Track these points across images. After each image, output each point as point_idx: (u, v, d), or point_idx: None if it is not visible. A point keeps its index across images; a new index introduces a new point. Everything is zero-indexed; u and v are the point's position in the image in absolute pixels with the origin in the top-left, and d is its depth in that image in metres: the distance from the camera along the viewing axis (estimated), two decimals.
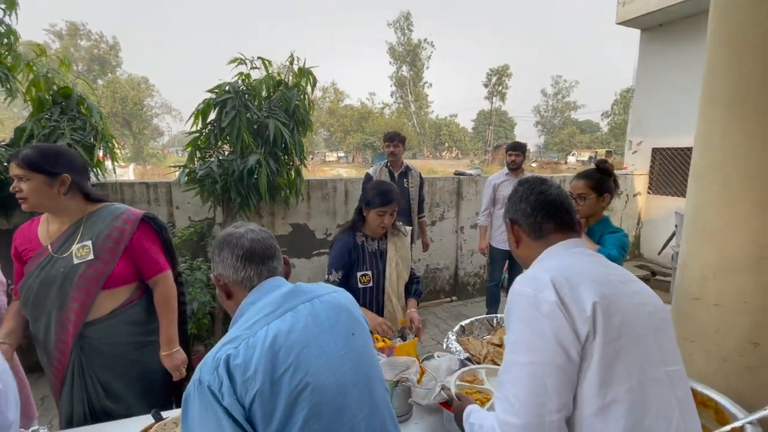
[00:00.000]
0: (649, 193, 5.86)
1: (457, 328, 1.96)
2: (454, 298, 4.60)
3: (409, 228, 2.17)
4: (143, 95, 34.07)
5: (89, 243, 1.36)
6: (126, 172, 12.96)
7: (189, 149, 3.08)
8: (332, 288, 0.96)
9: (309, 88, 3.44)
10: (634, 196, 5.81)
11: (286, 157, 3.28)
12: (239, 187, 2.93)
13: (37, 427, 1.24)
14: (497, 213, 3.66)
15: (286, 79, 3.37)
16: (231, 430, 0.67)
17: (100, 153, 2.85)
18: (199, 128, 3.05)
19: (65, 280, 1.35)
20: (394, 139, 3.35)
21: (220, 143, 3.03)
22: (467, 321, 2.05)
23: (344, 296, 0.96)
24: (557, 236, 0.97)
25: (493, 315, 2.16)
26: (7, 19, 2.68)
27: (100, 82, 34.47)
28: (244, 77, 3.14)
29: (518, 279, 0.89)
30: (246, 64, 3.13)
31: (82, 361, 1.41)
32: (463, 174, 4.60)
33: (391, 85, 45.02)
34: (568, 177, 5.30)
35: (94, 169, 2.81)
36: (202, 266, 2.96)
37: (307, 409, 0.73)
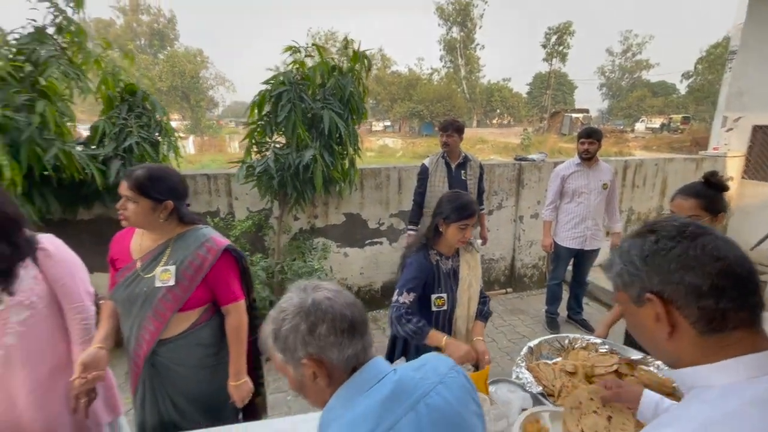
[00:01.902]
0: (744, 178, 5.10)
1: (525, 350, 1.82)
2: (509, 290, 4.41)
3: (479, 241, 2.00)
4: (199, 68, 35.36)
5: (172, 269, 1.39)
6: (186, 144, 13.65)
7: (247, 140, 3.09)
8: (438, 376, 0.79)
9: (363, 74, 3.27)
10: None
11: (340, 147, 3.19)
12: (295, 182, 2.91)
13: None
14: (564, 207, 3.35)
15: (340, 64, 3.22)
16: None
17: (164, 148, 2.94)
18: (255, 120, 3.03)
19: (146, 301, 1.41)
20: (448, 128, 3.10)
21: (275, 136, 2.99)
22: (535, 342, 1.90)
23: (454, 391, 0.79)
24: (744, 335, 0.60)
25: (565, 335, 1.98)
26: (75, 17, 2.75)
27: (160, 56, 36.26)
28: (297, 65, 3.04)
29: None
30: (300, 52, 3.01)
31: (153, 376, 1.49)
32: (524, 159, 4.25)
33: (440, 49, 42.86)
34: (658, 160, 4.73)
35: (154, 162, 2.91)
36: (261, 262, 3.02)
37: None
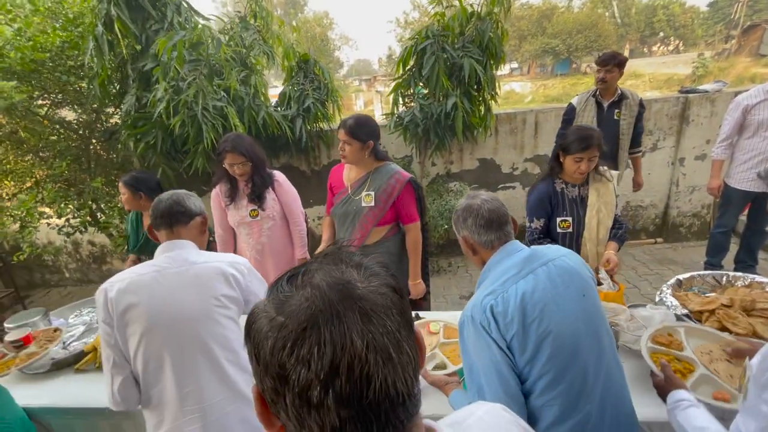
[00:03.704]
0: None
1: (673, 280, 1.86)
2: (659, 239, 4.06)
3: (615, 173, 2.04)
4: (326, 30, 37.56)
5: (373, 193, 1.92)
6: None
7: (392, 95, 3.51)
8: (563, 251, 1.11)
9: (502, 15, 3.27)
10: None
11: (477, 93, 3.35)
12: (437, 129, 3.23)
13: None
14: (743, 143, 2.88)
15: (478, 10, 3.28)
16: (498, 352, 0.98)
17: (331, 106, 3.58)
18: (400, 75, 3.40)
19: (355, 216, 1.98)
20: (609, 62, 2.84)
21: (419, 88, 3.32)
22: (686, 275, 1.90)
23: (574, 260, 1.10)
24: None
25: (723, 272, 1.92)
26: (264, 3, 3.46)
27: (294, 23, 39.62)
28: (439, 17, 3.23)
29: None
30: (441, 4, 3.18)
31: None
32: (693, 91, 3.66)
33: None
34: None
35: (327, 120, 3.57)
36: None
37: (549, 350, 0.97)
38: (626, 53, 35.85)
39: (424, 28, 3.16)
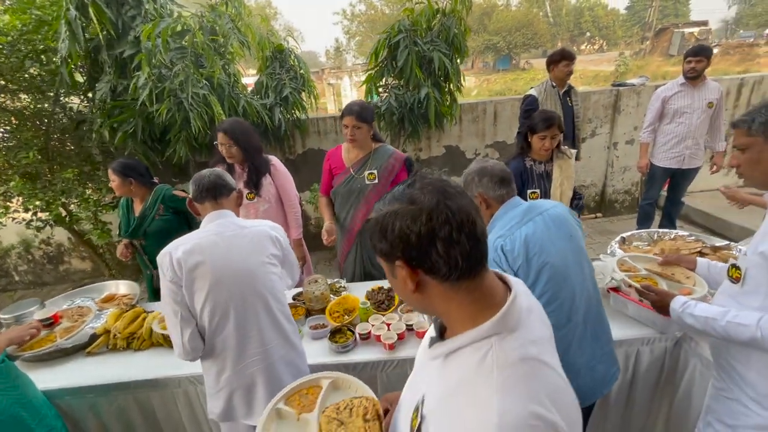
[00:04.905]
0: None
1: (618, 238, 2.30)
2: (599, 214, 4.68)
3: (573, 151, 2.43)
4: (270, 20, 36.26)
5: (375, 171, 2.11)
6: None
7: (366, 86, 3.70)
8: (554, 203, 1.41)
9: (464, 13, 3.58)
10: None
11: (445, 84, 3.65)
12: (410, 117, 3.49)
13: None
14: (663, 128, 3.47)
15: (443, 7, 3.57)
16: None
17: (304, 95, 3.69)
18: (372, 66, 3.61)
19: (359, 194, 2.17)
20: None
21: (394, 79, 3.54)
22: (629, 233, 2.35)
23: (562, 209, 1.41)
24: None
25: (654, 230, 2.38)
26: None
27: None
28: (408, 12, 3.47)
29: None
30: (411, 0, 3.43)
31: (360, 243, 2.28)
32: (623, 85, 4.27)
33: None
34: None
35: (301, 109, 3.68)
36: None
37: (546, 276, 1.26)
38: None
39: (397, 23, 3.38)
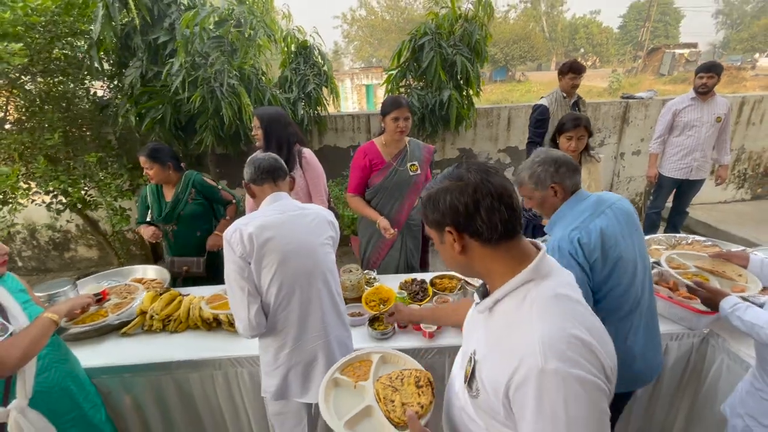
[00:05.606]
0: None
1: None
2: None
3: (602, 155, 2.53)
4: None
5: (417, 162, 2.16)
6: None
7: (387, 84, 3.76)
8: (617, 197, 1.39)
9: (486, 19, 3.68)
10: None
11: (465, 88, 3.73)
12: (431, 118, 3.56)
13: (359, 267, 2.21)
14: (673, 140, 3.60)
15: (466, 12, 3.66)
16: (580, 273, 1.26)
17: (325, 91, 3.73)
18: (394, 66, 3.67)
19: (405, 184, 2.23)
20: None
21: (415, 81, 3.61)
22: (648, 237, 2.43)
23: (627, 203, 1.42)
24: None
25: (672, 235, 2.48)
26: None
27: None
28: (433, 16, 3.55)
29: None
30: (438, 3, 3.51)
31: (406, 231, 2.35)
32: (632, 97, 4.42)
33: None
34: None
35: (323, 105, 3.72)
36: None
37: (620, 269, 1.29)
38: (553, 65, 39.48)
39: (422, 25, 3.46)
